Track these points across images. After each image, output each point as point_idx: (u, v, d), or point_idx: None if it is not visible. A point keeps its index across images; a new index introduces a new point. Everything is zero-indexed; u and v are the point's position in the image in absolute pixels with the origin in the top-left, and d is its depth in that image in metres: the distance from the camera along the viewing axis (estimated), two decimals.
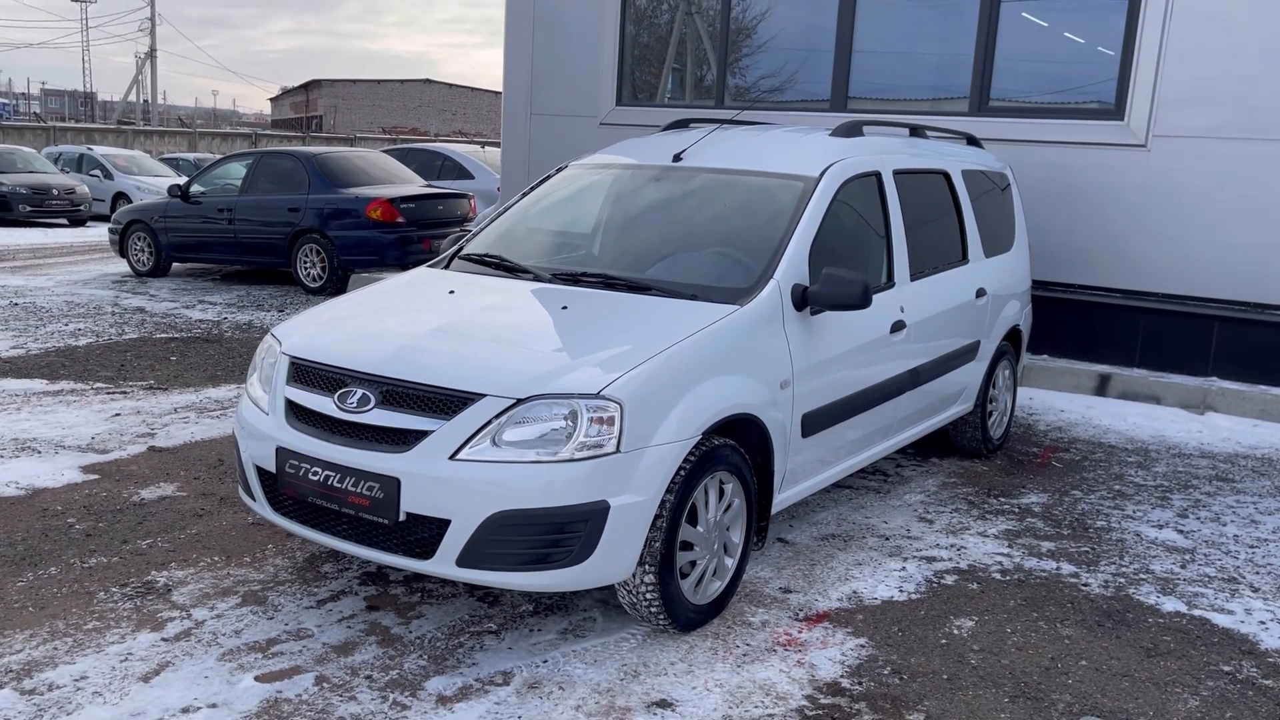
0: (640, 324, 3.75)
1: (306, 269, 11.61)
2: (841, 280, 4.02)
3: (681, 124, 5.57)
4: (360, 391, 3.50)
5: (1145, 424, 6.94)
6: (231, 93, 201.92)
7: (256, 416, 3.78)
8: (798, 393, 4.05)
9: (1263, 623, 4.01)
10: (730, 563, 3.87)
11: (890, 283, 4.83)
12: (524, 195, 5.18)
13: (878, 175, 4.90)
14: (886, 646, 3.67)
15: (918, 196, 5.25)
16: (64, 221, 21.25)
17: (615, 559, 3.35)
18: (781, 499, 4.17)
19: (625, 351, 3.50)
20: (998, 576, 4.36)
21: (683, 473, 3.47)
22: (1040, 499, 5.44)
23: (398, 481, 3.30)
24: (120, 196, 22.56)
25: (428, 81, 72.40)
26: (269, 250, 11.87)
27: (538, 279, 4.30)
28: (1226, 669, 3.61)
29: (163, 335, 8.86)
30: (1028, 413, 7.20)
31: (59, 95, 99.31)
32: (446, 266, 4.71)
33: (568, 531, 3.25)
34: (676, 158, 4.87)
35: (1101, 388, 7.52)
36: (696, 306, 3.89)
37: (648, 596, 3.50)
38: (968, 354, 5.63)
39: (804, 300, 4.09)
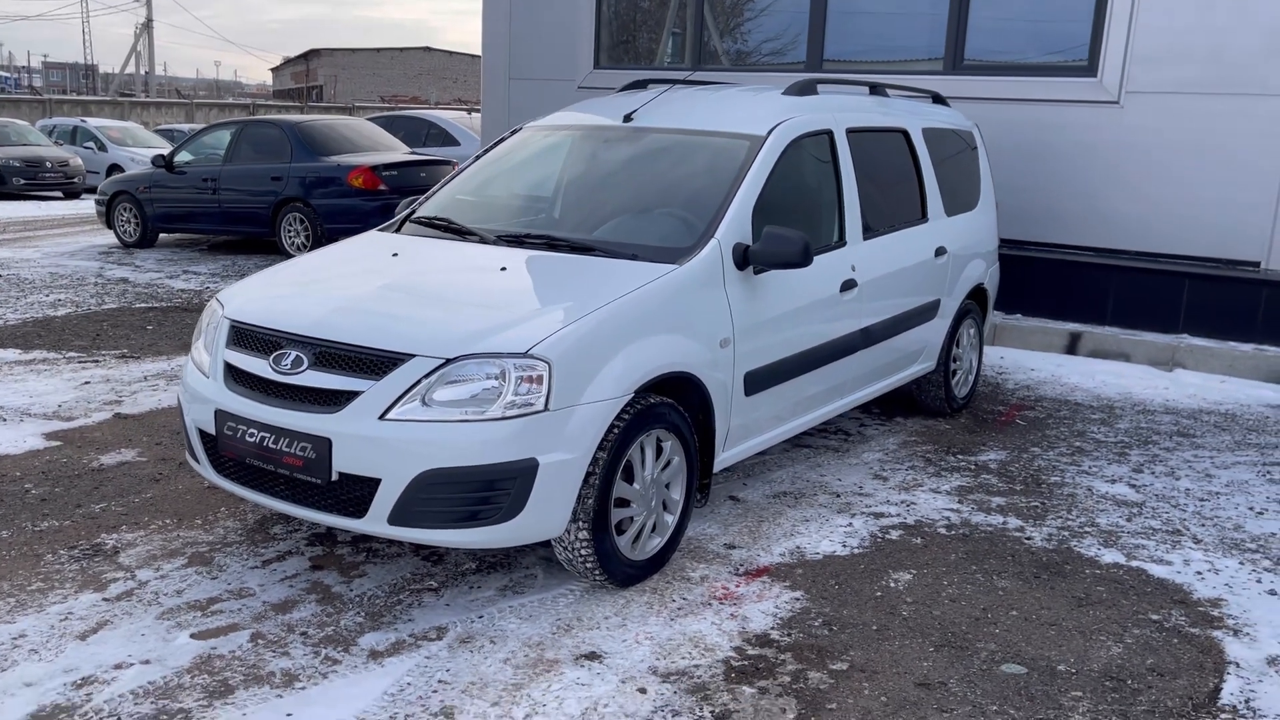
0: (575, 284, 3.78)
1: (290, 238, 11.63)
2: (782, 239, 4.03)
3: (640, 84, 5.56)
4: (294, 353, 3.53)
5: (1113, 381, 6.96)
6: (234, 63, 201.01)
7: (198, 380, 3.82)
8: (739, 352, 4.08)
9: (1199, 573, 4.05)
10: (670, 519, 3.91)
11: (841, 241, 4.84)
12: (477, 158, 5.19)
13: (829, 134, 4.89)
14: (821, 599, 3.72)
15: (873, 155, 5.24)
16: (58, 194, 21.25)
17: (546, 516, 3.39)
18: (725, 457, 4.21)
19: (557, 311, 3.53)
20: (943, 531, 4.40)
21: (616, 430, 3.51)
22: (998, 456, 5.48)
23: (329, 442, 3.35)
24: (114, 168, 22.52)
25: (427, 49, 71.97)
26: (253, 220, 11.89)
27: (483, 241, 4.32)
28: (1155, 617, 3.65)
29: (142, 305, 8.90)
30: (997, 372, 7.22)
31: (60, 68, 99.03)
32: (398, 230, 4.73)
33: (496, 489, 3.29)
34: (627, 118, 4.87)
35: (1072, 346, 7.53)
36: (635, 266, 3.91)
37: (582, 553, 3.55)
38: (927, 313, 5.64)
39: (746, 259, 4.10)
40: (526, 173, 5.11)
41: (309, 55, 75.58)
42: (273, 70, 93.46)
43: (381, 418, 3.31)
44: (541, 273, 3.92)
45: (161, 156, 12.68)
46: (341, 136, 12.24)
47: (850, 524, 4.44)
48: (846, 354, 4.85)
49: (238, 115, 39.24)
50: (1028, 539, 4.34)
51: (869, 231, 5.03)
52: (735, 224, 4.14)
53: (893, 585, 3.85)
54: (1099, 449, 5.64)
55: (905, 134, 5.61)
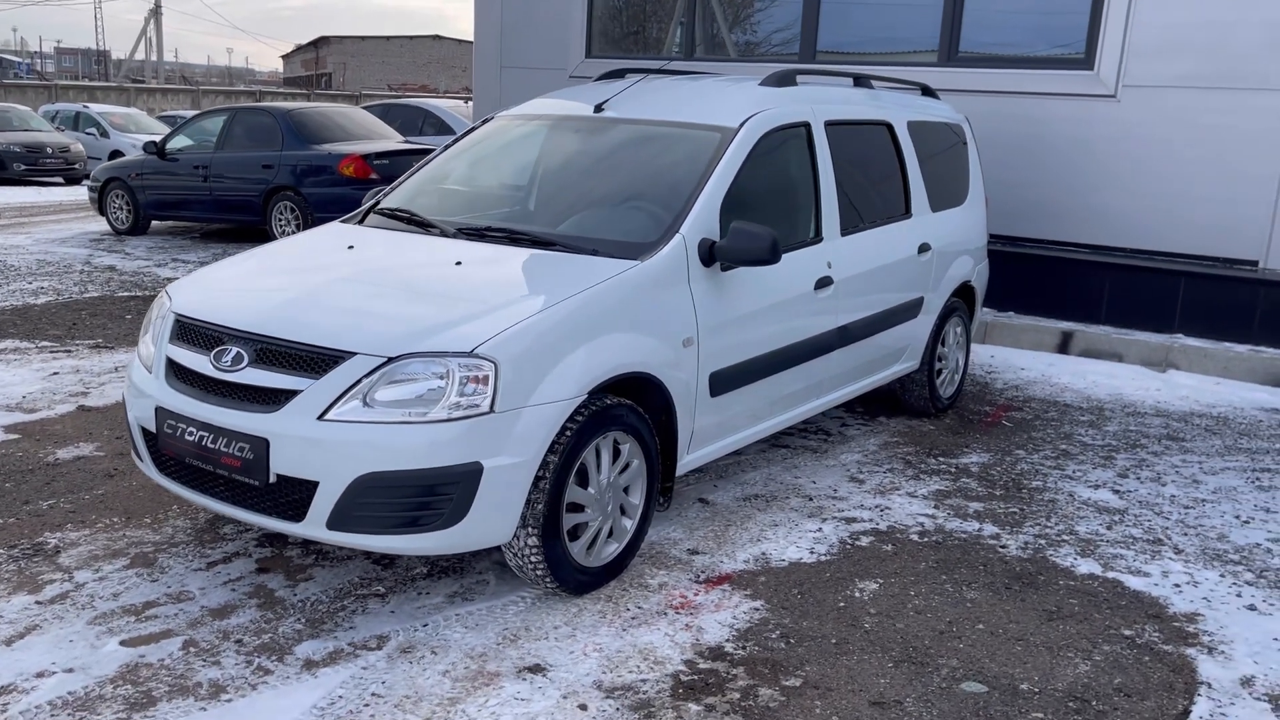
0: (530, 281, 3.65)
1: (281, 227, 11.52)
2: (748, 235, 3.89)
3: (617, 74, 5.41)
4: (235, 350, 3.41)
5: (1104, 382, 6.81)
6: (246, 50, 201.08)
7: (142, 375, 3.70)
8: (704, 351, 3.94)
9: (1177, 585, 3.90)
10: (629, 524, 3.79)
11: (817, 237, 4.70)
12: (446, 148, 5.05)
13: (806, 126, 4.75)
14: (781, 610, 3.59)
15: (854, 149, 5.10)
16: (59, 180, 21.17)
17: (491, 522, 3.27)
18: (690, 460, 4.08)
19: (507, 309, 3.40)
20: (915, 538, 4.26)
21: (568, 433, 3.38)
22: (980, 459, 5.34)
23: (266, 442, 3.23)
24: (116, 154, 22.42)
25: (436, 38, 71.83)
26: (244, 208, 11.78)
27: (442, 234, 4.19)
28: (1127, 633, 3.52)
29: (125, 294, 8.80)
30: (986, 371, 7.07)
31: (72, 54, 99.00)
32: (360, 221, 4.60)
33: (438, 494, 3.16)
34: (598, 108, 4.74)
35: (1064, 345, 7.38)
36: (595, 262, 3.78)
37: (532, 560, 3.42)
38: (909, 311, 5.50)
39: (713, 256, 3.97)
40: (495, 163, 4.98)
41: (318, 43, 75.48)
42: (284, 57, 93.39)
43: (320, 418, 3.19)
44: (496, 268, 3.79)
45: (153, 143, 12.57)
46: (334, 124, 12.11)
47: (820, 529, 4.31)
48: (821, 353, 4.71)
49: (244, 103, 39.18)
50: (1002, 547, 4.20)
51: (847, 227, 4.89)
52: (701, 219, 4.00)
53: (857, 595, 3.72)
54: (1085, 452, 5.49)
55: (889, 127, 5.45)
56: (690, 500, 4.57)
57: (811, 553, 4.07)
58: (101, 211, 12.90)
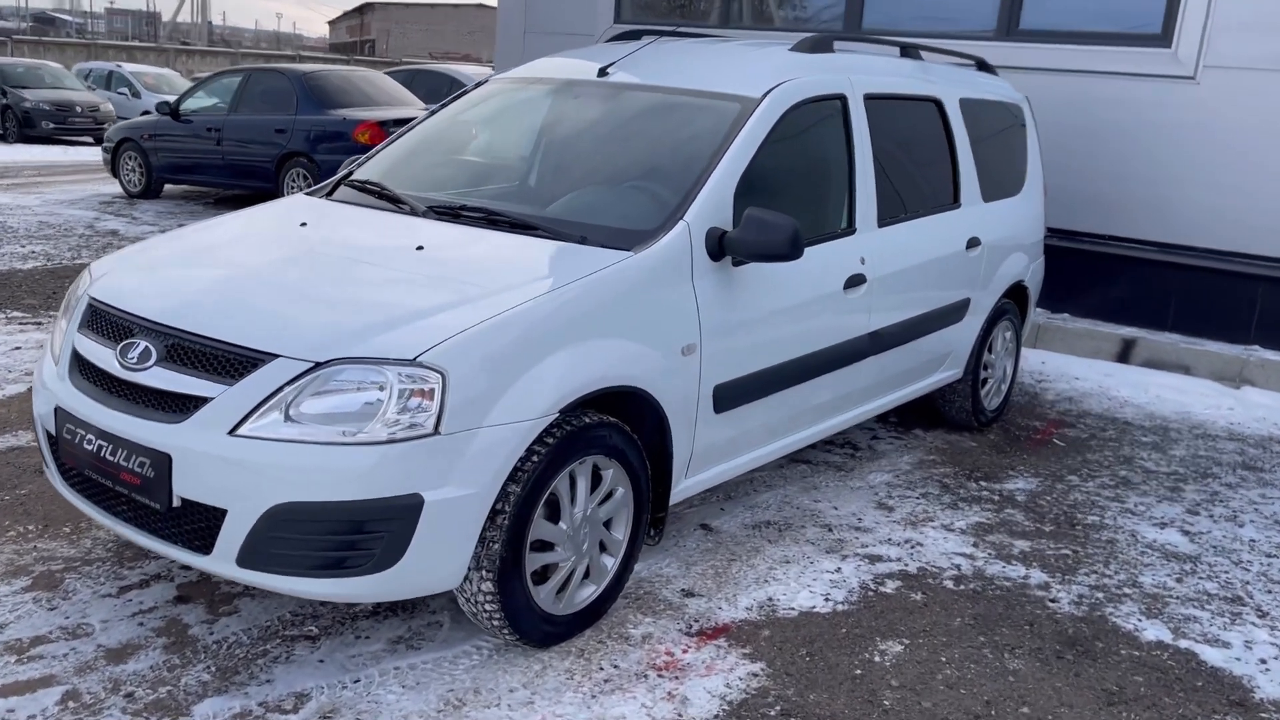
0: (499, 272, 3.06)
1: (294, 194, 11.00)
2: (764, 225, 3.28)
3: (633, 35, 4.79)
4: (143, 344, 2.86)
5: (1170, 397, 6.11)
6: (295, 16, 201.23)
7: (49, 367, 3.18)
8: (708, 360, 3.35)
9: (1264, 661, 3.27)
10: (610, 563, 3.21)
11: (850, 229, 4.07)
12: (432, 113, 4.47)
13: (842, 99, 4.11)
14: (785, 676, 3.00)
15: (897, 127, 4.45)
16: (88, 139, 20.85)
17: (434, 565, 2.71)
18: (688, 486, 3.50)
19: (464, 308, 2.82)
20: (950, 585, 3.65)
21: (535, 458, 2.81)
22: (1028, 485, 4.70)
23: (169, 459, 2.68)
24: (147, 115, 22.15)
25: (481, 6, 71.09)
26: (256, 173, 11.27)
27: (411, 212, 3.62)
28: None
29: None
30: (1036, 379, 6.39)
31: (124, 15, 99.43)
32: (329, 194, 4.04)
33: (367, 531, 2.60)
34: (602, 72, 4.13)
35: (1125, 354, 6.68)
36: (579, 252, 3.19)
37: (487, 608, 2.86)
38: (954, 314, 4.86)
39: (722, 248, 3.36)
40: (484, 132, 4.39)
41: (364, 9, 75.13)
42: (330, 23, 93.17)
43: (232, 433, 2.64)
44: (463, 255, 3.21)
45: (167, 103, 12.10)
46: (353, 89, 11.56)
47: (839, 570, 3.71)
48: (850, 362, 4.10)
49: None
50: (1053, 601, 3.58)
51: (886, 218, 4.26)
52: (711, 204, 3.40)
53: (877, 660, 3.12)
54: (1148, 481, 4.83)
55: (938, 104, 4.79)
56: (691, 527, 3.98)
57: (826, 600, 3.47)
58: (114, 173, 12.48)
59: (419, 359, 2.63)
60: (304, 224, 3.55)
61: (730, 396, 3.48)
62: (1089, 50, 7.01)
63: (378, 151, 4.30)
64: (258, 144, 11.14)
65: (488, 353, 2.72)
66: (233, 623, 3.09)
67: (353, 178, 4.10)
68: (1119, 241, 7.07)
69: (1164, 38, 6.81)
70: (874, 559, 3.81)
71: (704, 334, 3.31)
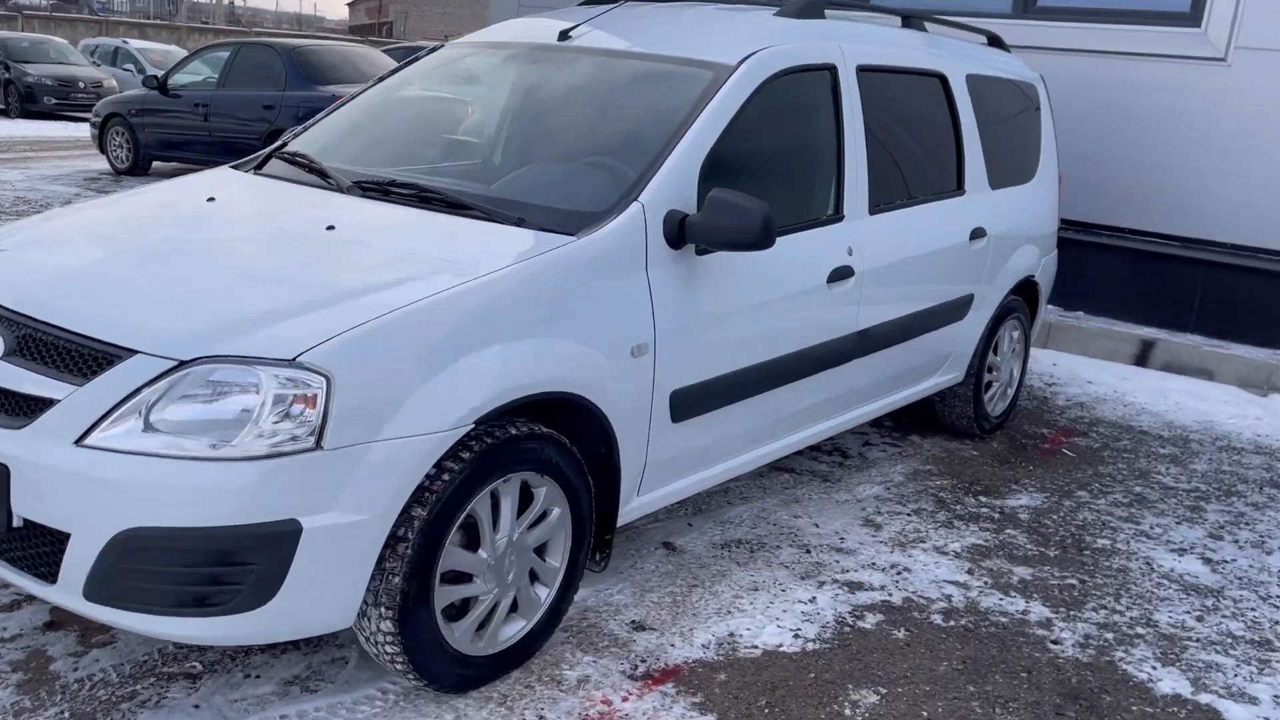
0: (416, 258, 2.64)
1: None
2: (731, 208, 2.85)
3: None
4: None
5: (1191, 405, 5.65)
6: None
7: None
8: (664, 362, 2.92)
9: None
10: (544, 594, 2.80)
11: (837, 215, 3.64)
12: (382, 79, 4.05)
13: (831, 70, 3.67)
14: None
15: (894, 104, 4.01)
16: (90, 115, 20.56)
17: (316, 602, 2.30)
18: (640, 505, 3.08)
19: (365, 299, 2.41)
20: (938, 620, 3.23)
21: (446, 477, 2.40)
22: (1033, 501, 4.26)
23: (6, 471, 2.28)
24: None
25: None
26: (244, 151, 10.77)
27: (337, 188, 3.20)
28: None
29: None
30: (1046, 382, 5.94)
31: None
32: (258, 167, 3.62)
33: (234, 563, 2.20)
34: (564, 36, 3.70)
35: (1142, 356, 6.21)
36: (514, 236, 2.77)
37: (389, 649, 2.45)
38: (955, 311, 4.42)
39: (683, 234, 2.94)
40: (433, 101, 3.96)
41: None
42: (349, 5, 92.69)
43: (79, 442, 2.23)
44: (377, 239, 2.79)
45: (154, 77, 11.72)
46: (345, 65, 11.15)
47: (814, 599, 3.29)
48: (833, 364, 3.67)
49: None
50: (1055, 642, 3.15)
51: (879, 204, 3.82)
52: (671, 184, 2.97)
53: (848, 713, 2.70)
54: (1165, 499, 4.39)
55: (942, 80, 4.34)
56: (652, 545, 3.57)
57: (796, 637, 3.05)
58: (102, 149, 12.12)
59: (300, 359, 2.22)
60: (211, 199, 3.14)
61: (690, 404, 3.06)
62: (1111, 30, 6.53)
63: (319, 120, 3.89)
64: (245, 120, 10.75)
65: (385, 353, 2.30)
66: (104, 656, 2.69)
67: (288, 149, 3.68)
68: (1139, 235, 6.59)
69: (1193, 16, 6.32)
70: (854, 587, 3.39)
71: (659, 332, 2.89)
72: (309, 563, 2.22)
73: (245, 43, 11.60)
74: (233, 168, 3.65)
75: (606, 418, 2.77)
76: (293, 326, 2.29)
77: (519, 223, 2.84)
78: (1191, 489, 4.54)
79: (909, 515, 4.02)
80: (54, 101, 19.73)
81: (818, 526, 3.84)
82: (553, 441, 2.66)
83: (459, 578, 2.55)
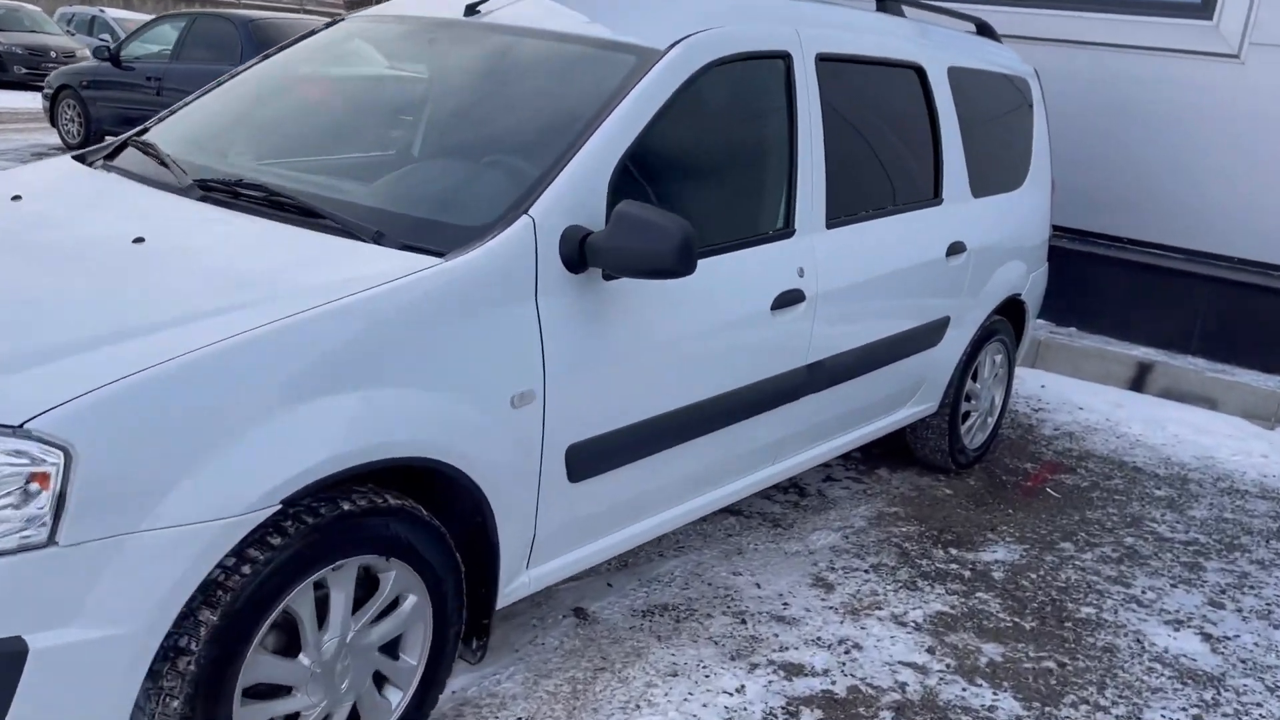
0: (232, 285, 2.10)
1: None
2: (642, 226, 2.32)
3: None
4: None
5: (1191, 439, 5.12)
6: None
7: None
8: (556, 412, 2.39)
9: None
10: (396, 699, 2.28)
11: (787, 229, 3.10)
12: (266, 57, 3.49)
13: (785, 59, 3.13)
14: None
15: (861, 99, 3.48)
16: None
17: None
18: (532, 578, 2.55)
19: (133, 342, 1.87)
20: (887, 717, 2.71)
21: (248, 570, 1.87)
22: (1010, 555, 3.75)
23: None
24: None
25: None
26: None
27: (175, 188, 2.65)
28: None
29: None
30: (1033, 408, 5.41)
31: None
32: (111, 156, 3.07)
33: None
34: (471, 10, 3.14)
35: (1139, 380, 5.68)
36: (364, 256, 2.24)
37: None
38: (928, 336, 3.89)
39: (584, 255, 2.40)
40: (322, 84, 3.41)
41: None
42: None
43: None
44: (191, 257, 2.24)
45: (106, 48, 11.13)
46: None
47: (742, 688, 2.77)
48: (779, 403, 3.14)
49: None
50: None
51: (838, 215, 3.29)
52: (572, 194, 2.43)
53: None
54: (1161, 553, 3.88)
55: (920, 72, 3.80)
56: (561, 612, 3.04)
57: None
58: (53, 123, 11.54)
59: (30, 425, 1.68)
60: (17, 198, 2.59)
61: (593, 459, 2.53)
62: (1114, 20, 5.97)
63: (186, 104, 3.34)
64: None
65: (153, 416, 1.76)
66: None
67: (147, 136, 3.14)
68: (1138, 246, 6.06)
69: (1204, 7, 5.76)
70: (793, 671, 2.87)
71: (550, 376, 2.36)
72: (40, 692, 1.69)
73: (201, 13, 10.99)
74: (76, 157, 3.10)
75: (477, 485, 2.24)
76: (29, 380, 1.75)
77: (377, 238, 2.30)
78: (1189, 541, 4.02)
79: (866, 573, 3.50)
80: (24, 71, 19.12)
81: (760, 587, 3.32)
82: (405, 516, 2.13)
83: (274, 690, 2.03)
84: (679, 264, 2.33)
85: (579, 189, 2.44)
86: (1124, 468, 4.72)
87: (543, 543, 2.52)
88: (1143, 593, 3.57)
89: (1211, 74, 5.72)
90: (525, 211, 2.36)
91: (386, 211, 2.43)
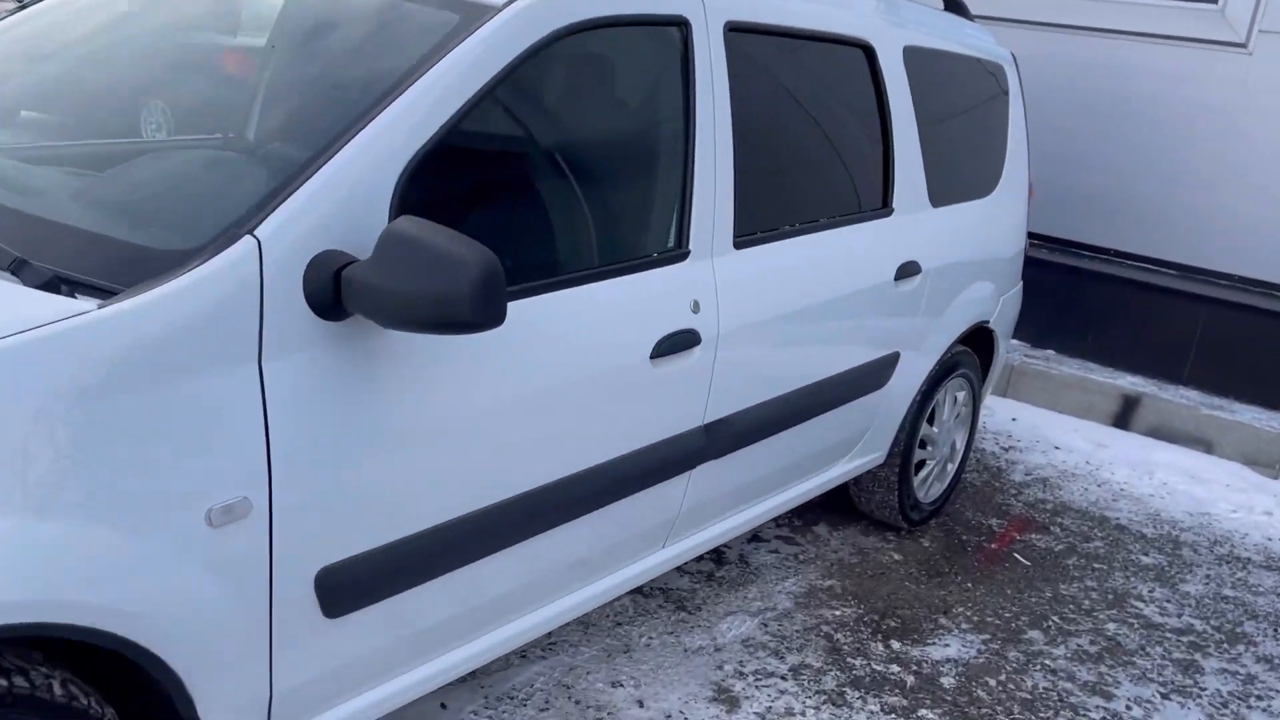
0: None
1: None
2: (424, 253, 1.58)
3: None
4: None
5: (1183, 488, 4.42)
6: None
7: None
8: (292, 524, 1.65)
9: None
10: None
11: (680, 251, 2.36)
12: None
13: (682, 27, 2.37)
14: None
15: (788, 84, 2.74)
16: None
17: None
18: None
19: None
20: None
21: None
22: (965, 651, 3.03)
23: None
24: None
25: None
26: None
27: None
28: None
29: None
30: (1003, 447, 4.70)
31: None
32: None
33: None
34: None
35: (1124, 415, 4.96)
36: None
37: None
38: (872, 376, 3.16)
39: (340, 295, 1.65)
40: (48, 58, 2.61)
41: None
42: None
43: None
44: None
45: None
46: None
47: None
48: (663, 478, 2.41)
49: None
50: None
51: (751, 232, 2.55)
52: (330, 203, 1.68)
53: None
54: (1149, 644, 3.18)
55: (868, 52, 3.05)
56: None
57: None
58: None
59: None
60: None
61: (362, 584, 1.79)
62: (1106, 2, 5.26)
63: None
64: None
65: None
66: None
67: None
68: (1127, 260, 5.34)
69: None
70: None
71: (280, 475, 1.61)
72: None
73: None
74: None
75: (146, 649, 1.49)
76: None
77: (15, 268, 1.54)
78: (1183, 628, 3.32)
79: (783, 679, 2.78)
80: None
81: (642, 706, 2.59)
82: (41, 707, 1.38)
83: None
84: (476, 312, 1.58)
85: (343, 196, 1.69)
86: (1105, 525, 4.02)
87: (288, 700, 1.77)
88: (1127, 708, 2.86)
89: (1214, 65, 5.01)
90: (250, 230, 1.60)
91: (56, 225, 1.68)
